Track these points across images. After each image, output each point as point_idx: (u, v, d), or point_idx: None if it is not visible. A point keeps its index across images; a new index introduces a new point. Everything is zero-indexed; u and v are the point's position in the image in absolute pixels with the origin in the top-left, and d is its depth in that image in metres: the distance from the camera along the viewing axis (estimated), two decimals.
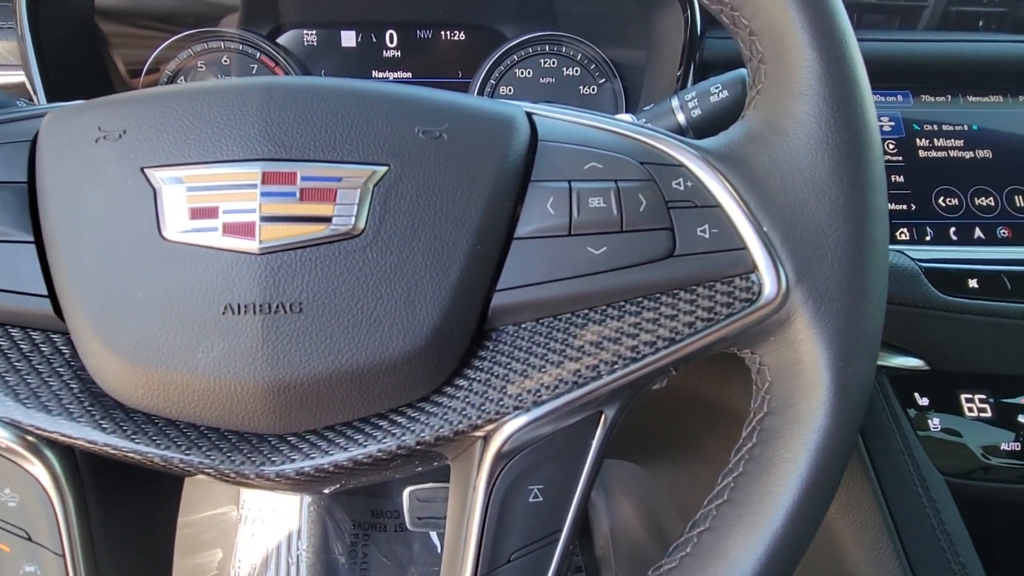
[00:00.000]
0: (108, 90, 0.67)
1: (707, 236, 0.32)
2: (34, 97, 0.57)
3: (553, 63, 0.74)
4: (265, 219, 0.29)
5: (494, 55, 0.74)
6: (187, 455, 0.30)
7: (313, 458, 0.30)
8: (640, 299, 0.32)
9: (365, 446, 0.30)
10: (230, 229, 0.29)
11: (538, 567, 0.31)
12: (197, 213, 0.29)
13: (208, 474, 0.30)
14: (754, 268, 0.31)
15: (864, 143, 0.32)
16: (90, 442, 0.29)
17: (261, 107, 0.30)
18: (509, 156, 0.32)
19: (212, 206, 0.29)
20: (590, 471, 0.32)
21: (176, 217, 0.29)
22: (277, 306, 0.28)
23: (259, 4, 0.71)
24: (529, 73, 0.74)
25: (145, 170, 0.29)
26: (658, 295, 0.32)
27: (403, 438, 0.30)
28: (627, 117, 0.43)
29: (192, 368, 0.29)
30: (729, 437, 0.34)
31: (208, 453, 0.30)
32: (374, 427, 0.31)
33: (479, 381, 0.31)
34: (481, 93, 0.74)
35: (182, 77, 0.71)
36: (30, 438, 0.29)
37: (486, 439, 0.31)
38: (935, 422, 0.61)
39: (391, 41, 0.74)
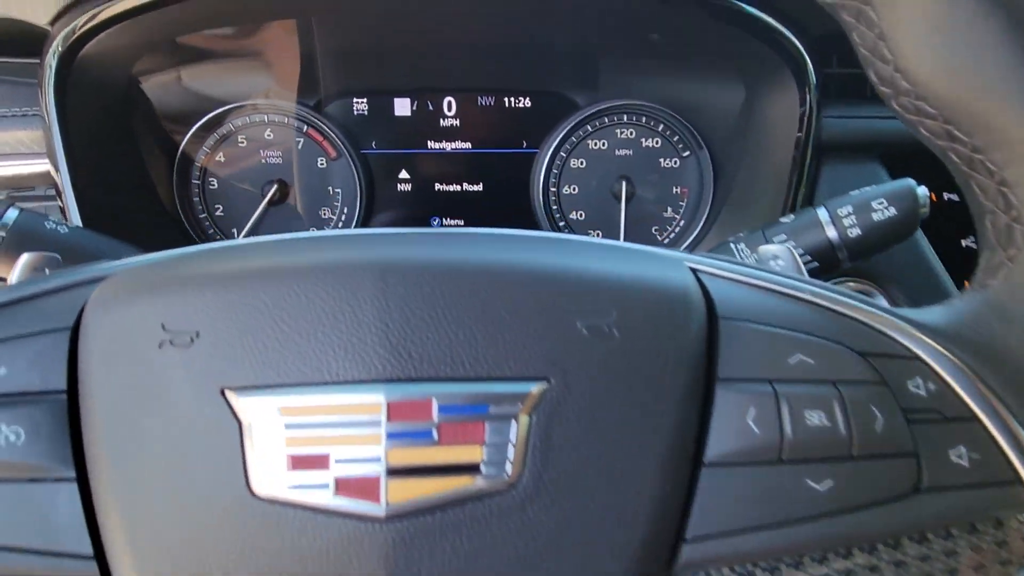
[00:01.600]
0: (140, 173, 0.60)
1: (964, 463, 0.24)
2: (60, 191, 0.50)
3: (631, 133, 0.66)
4: (393, 472, 0.21)
5: (565, 125, 0.66)
6: None
7: None
8: (877, 547, 0.24)
9: None
10: (346, 487, 0.21)
11: None
12: (300, 462, 0.21)
13: None
14: None
15: None
16: None
17: (376, 300, 0.22)
18: (690, 346, 0.24)
19: (320, 453, 0.21)
20: None
21: (271, 465, 0.21)
22: None
23: (302, 74, 0.64)
24: (604, 144, 0.67)
25: (226, 393, 0.22)
26: (901, 542, 0.24)
27: None
28: (788, 255, 0.35)
29: None
30: None
31: None
32: None
33: None
34: (551, 165, 0.67)
35: (220, 154, 0.64)
36: None
37: None
38: None
39: (449, 109, 0.67)
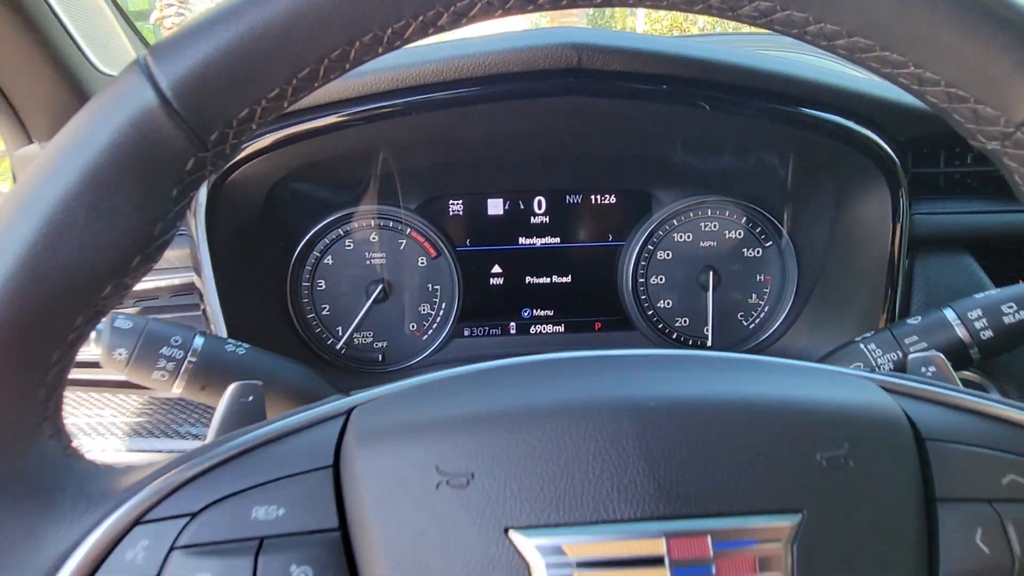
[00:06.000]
0: (264, 279, 0.64)
1: None
2: (206, 302, 0.54)
3: (714, 226, 0.70)
4: None
5: (651, 221, 0.70)
6: None
7: None
8: None
9: None
10: None
11: None
12: None
13: None
14: None
15: None
16: None
17: (639, 439, 0.25)
18: (908, 470, 0.26)
19: None
20: None
21: None
22: None
23: (405, 181, 0.68)
24: (688, 237, 0.70)
25: (510, 532, 0.24)
26: None
27: None
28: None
29: None
30: None
31: None
32: None
33: None
34: (639, 258, 0.70)
35: (329, 257, 0.68)
36: None
37: None
38: None
39: (539, 207, 0.71)
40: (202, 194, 0.52)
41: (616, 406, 0.26)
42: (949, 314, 0.43)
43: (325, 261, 0.68)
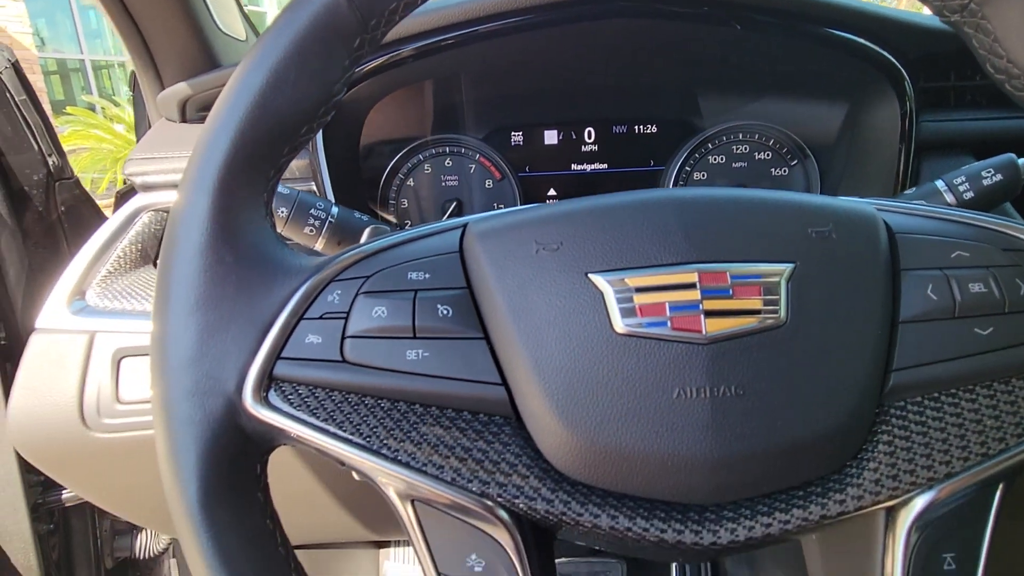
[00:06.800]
0: (360, 193, 0.76)
1: None
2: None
3: (745, 149, 0.79)
4: (707, 313, 0.33)
5: (688, 146, 0.80)
6: (633, 522, 0.33)
7: (745, 528, 0.33)
8: None
9: (787, 518, 0.33)
10: (679, 323, 0.33)
11: None
12: (646, 310, 0.33)
13: (648, 542, 0.33)
14: None
15: None
16: (550, 513, 0.33)
17: (680, 218, 0.35)
18: (881, 249, 0.36)
19: (659, 303, 0.33)
20: (990, 538, 0.34)
21: (626, 314, 0.33)
22: (723, 390, 0.32)
23: (476, 115, 0.79)
24: (722, 159, 0.80)
25: (590, 275, 0.35)
26: None
27: (828, 507, 0.33)
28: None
29: (646, 445, 0.32)
30: None
31: (651, 521, 0.33)
32: (794, 500, 0.34)
33: (888, 455, 0.34)
34: (676, 179, 0.80)
35: (411, 180, 0.79)
36: (499, 511, 0.33)
37: (891, 511, 0.34)
38: None
39: (589, 137, 0.82)
40: None
41: (662, 197, 0.36)
42: (939, 184, 0.52)
43: (408, 183, 0.79)
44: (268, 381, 0.34)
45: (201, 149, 0.35)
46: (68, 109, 6.33)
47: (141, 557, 1.20)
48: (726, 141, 0.79)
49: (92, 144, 6.00)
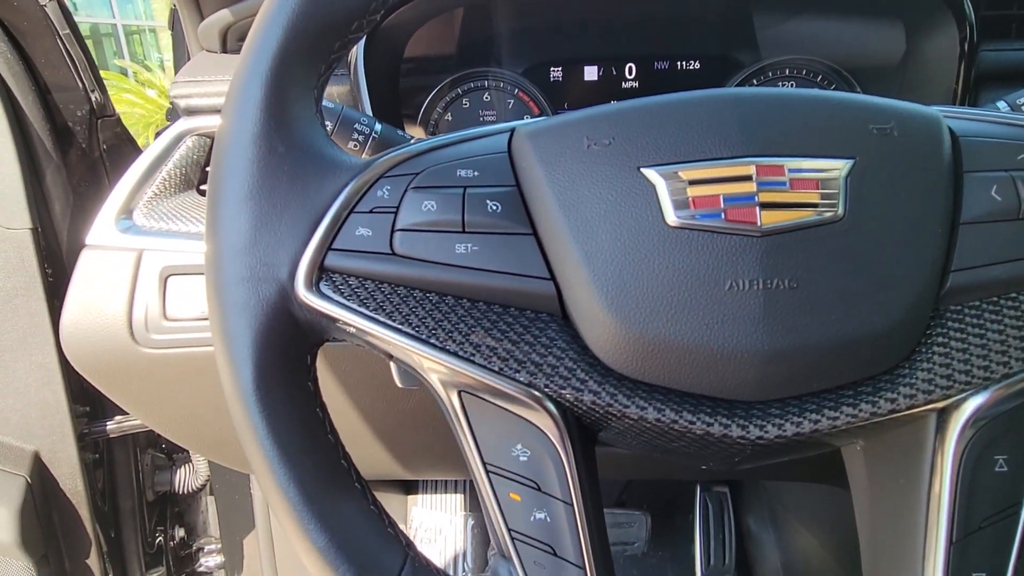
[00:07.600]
0: (399, 126, 0.76)
1: None
2: None
3: (791, 85, 0.77)
4: (763, 206, 0.32)
5: (732, 82, 0.78)
6: (679, 415, 0.33)
7: (793, 424, 0.33)
8: None
9: (836, 415, 0.33)
10: (733, 215, 0.32)
11: (1007, 533, 0.33)
12: (699, 202, 0.33)
13: (693, 434, 0.34)
14: None
15: None
16: (597, 404, 0.33)
17: (737, 112, 0.34)
18: (944, 149, 0.35)
19: (713, 195, 0.33)
20: None
21: (679, 206, 0.33)
22: (776, 283, 0.32)
23: (515, 48, 0.78)
24: None
25: (641, 169, 0.34)
26: None
27: (879, 405, 0.33)
28: None
29: (695, 338, 0.32)
30: None
31: (698, 415, 0.33)
32: (844, 398, 0.33)
33: (943, 355, 0.33)
34: None
35: (449, 114, 0.79)
36: (547, 402, 0.34)
37: (943, 412, 0.33)
38: None
39: (630, 73, 0.80)
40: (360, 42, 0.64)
41: (718, 94, 0.35)
42: (1001, 104, 0.50)
43: (446, 117, 0.79)
44: (320, 271, 0.35)
45: (253, 41, 0.35)
46: (101, 73, 6.41)
47: (180, 492, 1.24)
48: (772, 76, 0.77)
49: (124, 108, 6.09)
